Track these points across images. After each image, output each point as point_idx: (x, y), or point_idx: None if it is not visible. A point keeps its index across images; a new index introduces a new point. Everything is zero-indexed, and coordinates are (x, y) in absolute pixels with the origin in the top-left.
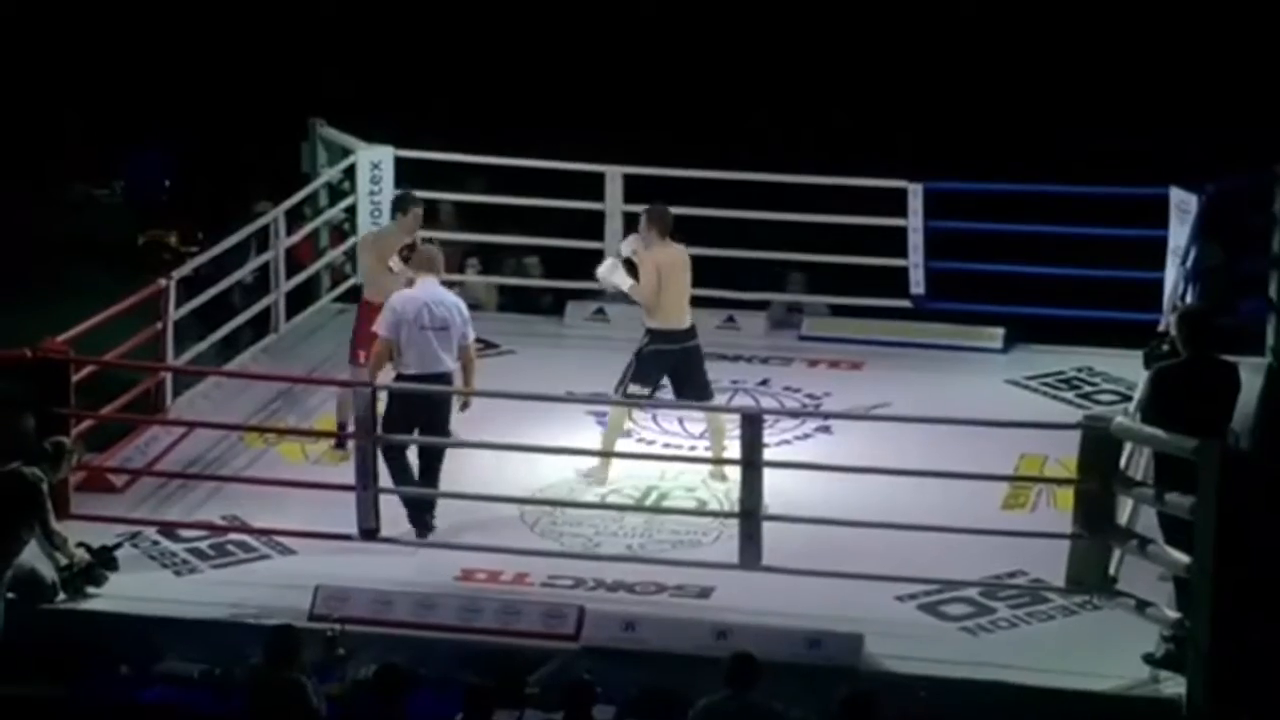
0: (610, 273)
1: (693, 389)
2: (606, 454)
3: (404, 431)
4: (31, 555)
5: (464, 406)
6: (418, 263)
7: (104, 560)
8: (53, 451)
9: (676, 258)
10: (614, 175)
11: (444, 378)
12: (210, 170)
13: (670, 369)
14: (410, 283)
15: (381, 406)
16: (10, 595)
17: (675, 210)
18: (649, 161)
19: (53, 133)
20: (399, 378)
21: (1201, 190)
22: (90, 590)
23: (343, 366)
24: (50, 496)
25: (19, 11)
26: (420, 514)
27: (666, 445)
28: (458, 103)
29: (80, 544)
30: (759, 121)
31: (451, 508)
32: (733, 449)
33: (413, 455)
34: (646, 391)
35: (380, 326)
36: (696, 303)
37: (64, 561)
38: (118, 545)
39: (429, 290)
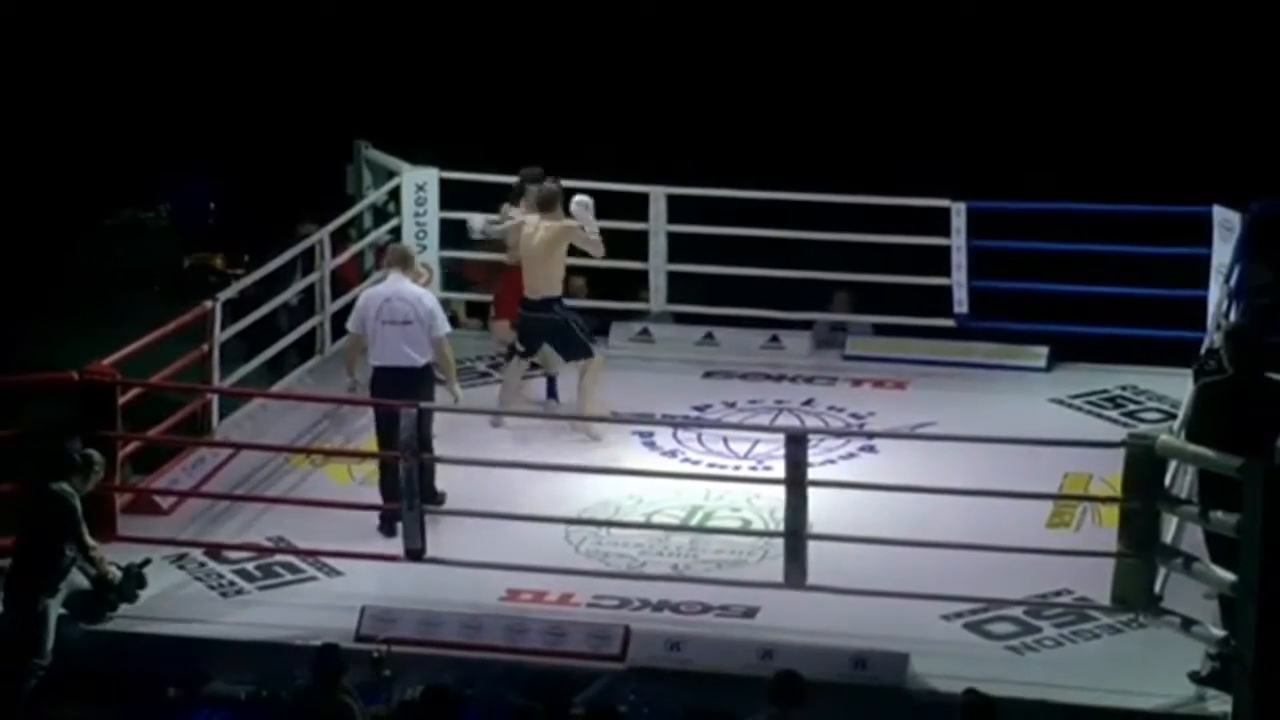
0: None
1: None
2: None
3: (387, 421)
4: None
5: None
6: (389, 259)
7: (133, 577)
8: (82, 463)
9: (532, 228)
10: (658, 196)
11: (412, 371)
12: (255, 193)
13: (535, 335)
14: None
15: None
16: (63, 611)
17: (719, 230)
18: (692, 182)
19: (98, 157)
20: (374, 370)
21: (1245, 208)
22: (122, 606)
23: None
24: (85, 509)
25: (64, 37)
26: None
27: (711, 465)
28: (501, 124)
29: (110, 563)
30: (802, 141)
31: (496, 528)
32: (777, 469)
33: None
34: (525, 351)
35: (348, 321)
36: (741, 322)
37: (97, 575)
38: (145, 562)
39: (393, 286)
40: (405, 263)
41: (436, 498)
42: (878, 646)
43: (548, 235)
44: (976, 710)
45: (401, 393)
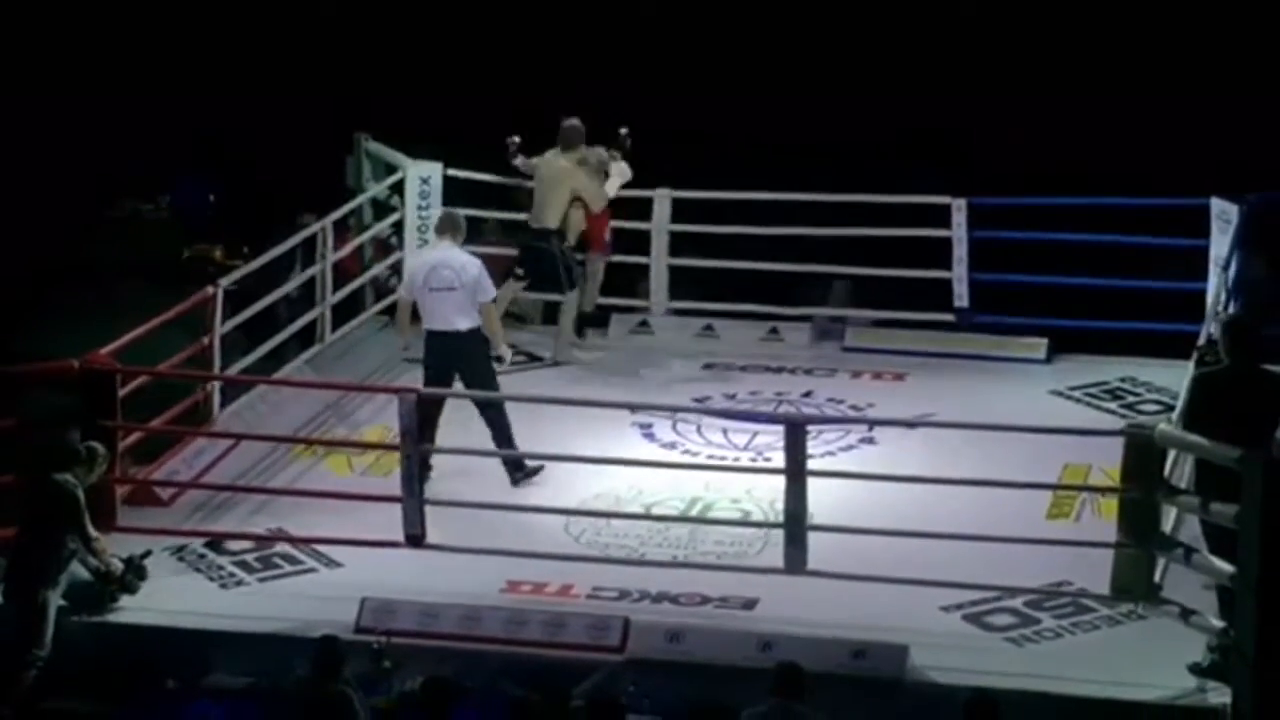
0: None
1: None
2: None
3: (437, 383)
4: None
5: (498, 359)
6: (439, 225)
7: (134, 569)
8: (86, 455)
9: (551, 159)
10: (662, 198)
11: (457, 336)
12: (255, 186)
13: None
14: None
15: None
16: (62, 602)
17: (721, 229)
18: (694, 178)
19: (99, 149)
20: (425, 334)
21: (1242, 201)
22: (123, 598)
23: (389, 379)
24: (86, 500)
25: (66, 28)
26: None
27: (710, 457)
28: (502, 121)
29: (111, 554)
30: (803, 135)
31: (495, 520)
32: (777, 460)
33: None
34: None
35: (400, 286)
36: (740, 316)
37: (99, 567)
38: (146, 554)
39: (440, 254)
40: (455, 230)
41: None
42: (877, 638)
43: (558, 171)
44: (981, 710)
45: (451, 356)
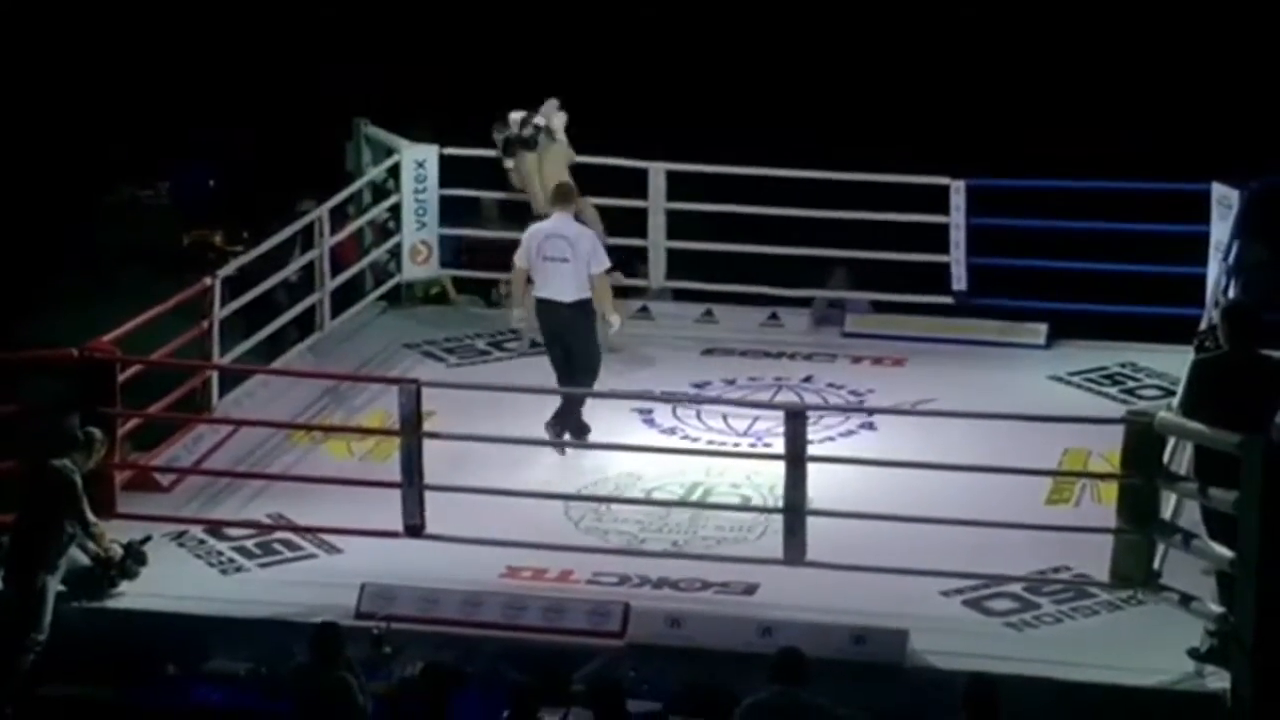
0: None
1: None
2: None
3: (552, 351)
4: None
5: (609, 324)
6: (553, 197)
7: (133, 554)
8: (84, 440)
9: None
10: (657, 171)
11: (565, 306)
12: (254, 171)
13: None
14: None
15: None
16: (61, 588)
17: (718, 207)
18: (691, 159)
19: (98, 135)
20: (536, 301)
21: (1243, 186)
22: (123, 583)
23: (389, 365)
24: (85, 486)
25: (64, 14)
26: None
27: (710, 442)
28: (500, 100)
29: (111, 540)
30: (802, 117)
31: (496, 505)
32: (777, 445)
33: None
34: None
35: (516, 255)
36: (739, 299)
37: (98, 552)
38: (146, 539)
39: (555, 224)
40: (568, 201)
41: (584, 429)
42: (877, 623)
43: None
44: (979, 695)
45: (559, 324)
